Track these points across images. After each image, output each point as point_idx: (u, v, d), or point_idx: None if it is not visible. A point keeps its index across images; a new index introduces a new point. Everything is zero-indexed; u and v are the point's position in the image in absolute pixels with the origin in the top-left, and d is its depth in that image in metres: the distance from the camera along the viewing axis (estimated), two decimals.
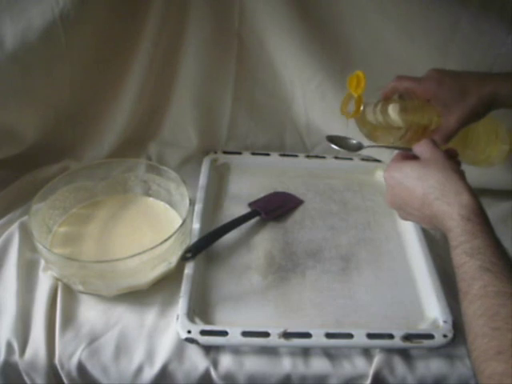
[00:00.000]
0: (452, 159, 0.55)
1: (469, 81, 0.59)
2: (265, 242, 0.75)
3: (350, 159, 0.91)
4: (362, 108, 0.62)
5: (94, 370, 0.59)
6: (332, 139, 0.66)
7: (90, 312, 0.64)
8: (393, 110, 0.62)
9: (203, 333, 0.59)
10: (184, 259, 0.67)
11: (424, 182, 0.53)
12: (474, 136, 0.68)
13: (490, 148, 0.69)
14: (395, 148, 0.63)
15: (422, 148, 0.56)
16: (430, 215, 0.53)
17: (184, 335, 0.59)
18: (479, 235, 0.46)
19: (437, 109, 0.61)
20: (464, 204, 0.49)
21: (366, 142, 0.66)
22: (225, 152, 0.90)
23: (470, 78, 0.60)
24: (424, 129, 0.63)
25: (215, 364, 0.60)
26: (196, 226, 0.73)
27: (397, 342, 0.60)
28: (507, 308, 0.41)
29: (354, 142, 0.65)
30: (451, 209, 0.49)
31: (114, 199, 0.77)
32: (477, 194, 0.51)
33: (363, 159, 0.91)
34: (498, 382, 0.39)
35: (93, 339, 0.61)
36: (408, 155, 0.58)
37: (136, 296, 0.65)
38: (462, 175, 0.52)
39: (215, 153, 0.89)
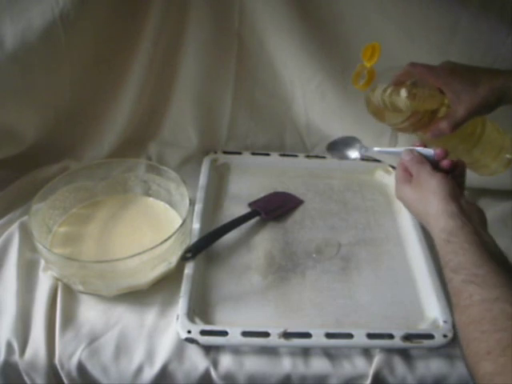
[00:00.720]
0: (448, 174, 0.56)
1: (481, 73, 0.60)
2: (265, 242, 0.74)
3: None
4: (372, 86, 0.62)
5: (94, 370, 0.59)
6: (332, 147, 0.66)
7: (90, 312, 0.64)
8: (401, 96, 0.62)
9: (203, 333, 0.60)
10: (184, 259, 0.67)
11: (414, 209, 0.58)
12: (483, 132, 0.68)
13: (496, 155, 0.69)
14: (393, 154, 0.63)
15: (411, 164, 0.58)
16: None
17: (184, 335, 0.59)
18: (460, 253, 0.49)
19: (447, 98, 0.61)
20: (441, 228, 0.52)
21: (368, 144, 0.66)
22: (225, 152, 0.90)
23: (482, 70, 0.60)
24: (430, 116, 0.63)
25: (215, 364, 0.60)
26: (196, 226, 0.73)
27: (397, 342, 0.60)
28: (492, 312, 0.44)
29: (354, 153, 0.65)
30: (433, 234, 0.53)
31: (113, 199, 0.77)
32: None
33: (363, 159, 0.91)
34: (490, 381, 0.41)
35: (93, 339, 0.61)
36: (406, 176, 0.59)
37: (136, 296, 0.65)
38: (444, 192, 0.54)
39: (215, 153, 0.89)
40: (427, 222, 0.55)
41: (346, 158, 0.65)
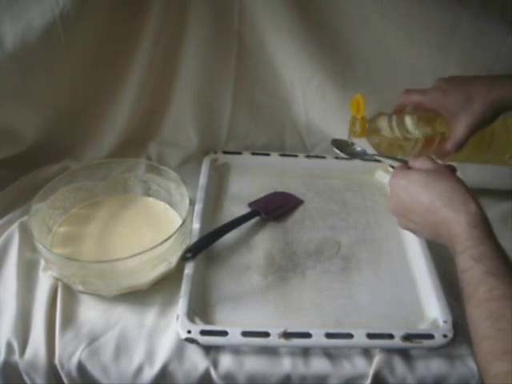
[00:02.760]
0: (454, 172, 0.57)
1: (475, 87, 0.59)
2: (265, 242, 0.74)
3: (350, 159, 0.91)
4: (367, 126, 0.64)
5: (94, 370, 0.59)
6: (336, 144, 0.68)
7: (90, 312, 0.64)
8: (406, 123, 0.63)
9: (203, 333, 0.59)
10: (184, 259, 0.67)
11: (431, 190, 0.54)
12: (492, 138, 0.68)
13: None
14: (397, 160, 0.63)
15: (422, 161, 0.58)
16: (435, 222, 0.54)
17: (184, 335, 0.59)
18: (485, 242, 0.48)
19: (446, 119, 0.61)
20: (471, 212, 0.50)
21: (369, 149, 0.67)
22: (225, 152, 0.90)
23: (476, 83, 0.60)
24: (437, 140, 0.63)
25: (215, 364, 0.60)
26: (196, 226, 0.73)
27: (397, 342, 0.60)
28: None
29: (359, 149, 0.68)
30: (458, 216, 0.51)
31: (113, 199, 0.77)
32: (477, 193, 0.52)
33: (363, 159, 0.91)
34: (503, 382, 0.40)
35: (93, 339, 0.61)
36: (411, 166, 0.59)
37: (136, 296, 0.65)
38: (466, 186, 0.54)
39: (215, 153, 0.89)
40: (447, 204, 0.52)
41: (349, 154, 0.67)
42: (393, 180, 0.59)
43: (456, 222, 0.51)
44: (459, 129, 0.59)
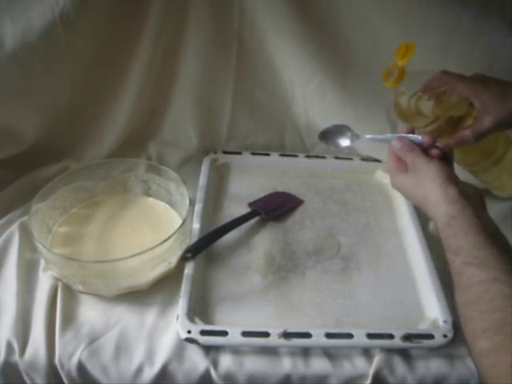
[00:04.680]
0: (443, 160, 0.58)
1: None
2: (265, 242, 0.74)
3: (350, 159, 0.91)
4: (400, 87, 0.64)
5: (94, 370, 0.59)
6: (324, 136, 0.67)
7: (90, 312, 0.64)
8: (427, 101, 0.63)
9: (203, 333, 0.59)
10: (184, 259, 0.67)
11: (414, 196, 0.59)
12: (504, 154, 0.68)
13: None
14: (384, 140, 0.63)
15: (403, 152, 0.60)
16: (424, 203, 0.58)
17: (184, 335, 0.59)
18: (460, 236, 0.51)
19: (474, 109, 0.61)
20: (442, 212, 0.53)
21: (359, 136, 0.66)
22: (225, 152, 0.90)
23: None
24: (455, 124, 0.63)
25: (215, 364, 0.60)
26: (196, 226, 0.73)
27: (397, 342, 0.60)
28: (490, 292, 0.46)
29: (345, 141, 0.66)
30: (435, 219, 0.55)
31: (113, 199, 0.77)
32: None
33: (363, 159, 0.91)
34: (485, 357, 0.43)
35: (93, 339, 0.60)
36: (400, 166, 0.60)
37: (136, 296, 0.65)
38: (444, 182, 0.55)
39: (215, 153, 0.89)
40: (427, 209, 0.56)
41: (337, 145, 0.66)
42: (392, 184, 0.62)
43: (436, 223, 0.55)
44: (486, 119, 0.59)
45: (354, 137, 0.65)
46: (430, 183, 0.55)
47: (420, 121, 0.64)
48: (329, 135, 0.67)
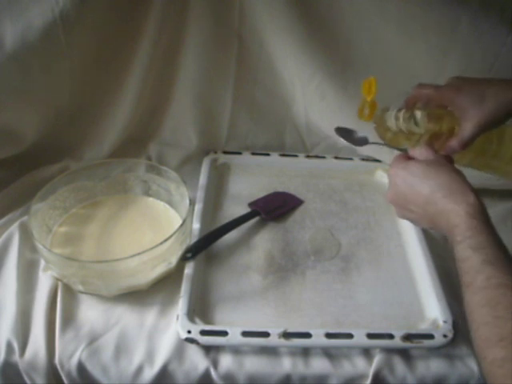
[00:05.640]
0: (452, 163, 0.58)
1: (489, 86, 0.59)
2: (265, 242, 0.75)
3: (350, 159, 0.91)
4: (377, 112, 0.64)
5: (94, 370, 0.59)
6: (340, 131, 0.67)
7: (90, 312, 0.64)
8: (416, 117, 0.62)
9: (203, 333, 0.60)
10: (184, 259, 0.67)
11: (431, 181, 0.55)
12: (500, 146, 0.68)
13: None
14: (399, 149, 0.64)
15: (422, 151, 0.58)
16: (434, 213, 0.54)
17: (184, 335, 0.59)
18: (483, 232, 0.49)
19: (457, 117, 0.61)
20: (470, 203, 0.51)
21: (371, 138, 0.67)
22: (225, 152, 0.90)
23: (490, 84, 0.59)
24: (443, 136, 0.63)
25: (215, 364, 0.60)
26: (196, 226, 0.73)
27: (397, 342, 0.61)
28: (508, 298, 0.43)
29: (361, 135, 0.67)
30: (458, 207, 0.51)
31: (113, 199, 0.77)
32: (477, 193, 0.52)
33: (363, 159, 0.91)
34: (500, 367, 0.41)
35: (93, 339, 0.61)
36: (411, 156, 0.60)
37: (136, 296, 0.65)
38: (465, 177, 0.54)
39: (215, 153, 0.89)
40: (447, 195, 0.53)
41: (351, 141, 0.67)
42: (392, 170, 0.59)
43: (456, 212, 0.51)
44: (467, 126, 0.59)
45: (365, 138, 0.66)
46: (453, 172, 0.54)
47: (411, 139, 0.64)
48: (343, 132, 0.68)
